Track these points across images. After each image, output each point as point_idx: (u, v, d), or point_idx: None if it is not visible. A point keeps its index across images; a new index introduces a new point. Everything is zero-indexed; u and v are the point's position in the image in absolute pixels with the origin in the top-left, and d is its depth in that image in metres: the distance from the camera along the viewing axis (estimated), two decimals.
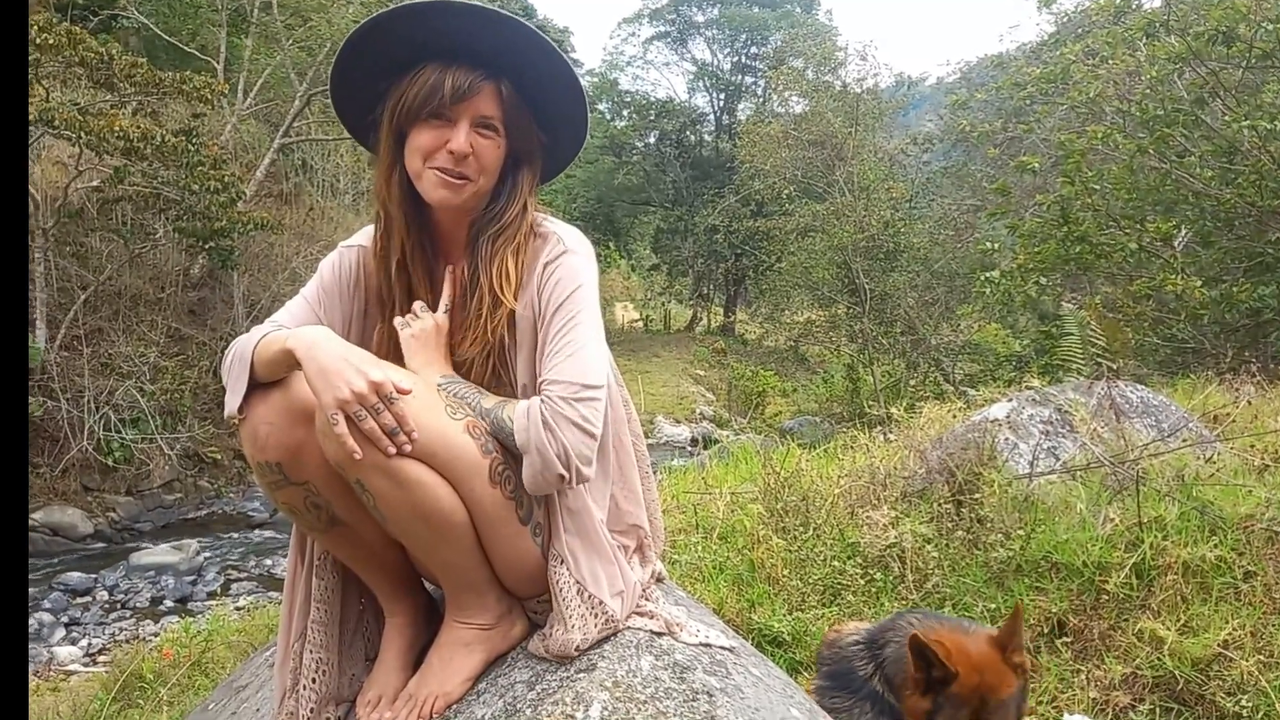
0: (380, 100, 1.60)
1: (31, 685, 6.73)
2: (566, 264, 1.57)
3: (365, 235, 1.73)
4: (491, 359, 1.60)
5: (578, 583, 1.50)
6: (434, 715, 1.50)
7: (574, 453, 1.42)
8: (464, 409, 1.50)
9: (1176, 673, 2.66)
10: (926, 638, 1.80)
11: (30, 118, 10.13)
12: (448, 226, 1.66)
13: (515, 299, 1.57)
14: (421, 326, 1.61)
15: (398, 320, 1.63)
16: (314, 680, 1.59)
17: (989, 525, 3.30)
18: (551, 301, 1.54)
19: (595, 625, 1.49)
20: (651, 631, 1.55)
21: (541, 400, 1.44)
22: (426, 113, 1.53)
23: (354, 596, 1.68)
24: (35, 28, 10.10)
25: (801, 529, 3.49)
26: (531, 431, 1.42)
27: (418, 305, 1.64)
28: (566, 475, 1.42)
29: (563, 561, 1.51)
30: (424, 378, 1.52)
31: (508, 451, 1.50)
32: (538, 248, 1.61)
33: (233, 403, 1.45)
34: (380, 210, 1.65)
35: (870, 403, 11.75)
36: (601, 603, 1.51)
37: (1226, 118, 7.63)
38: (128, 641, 7.51)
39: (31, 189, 11.50)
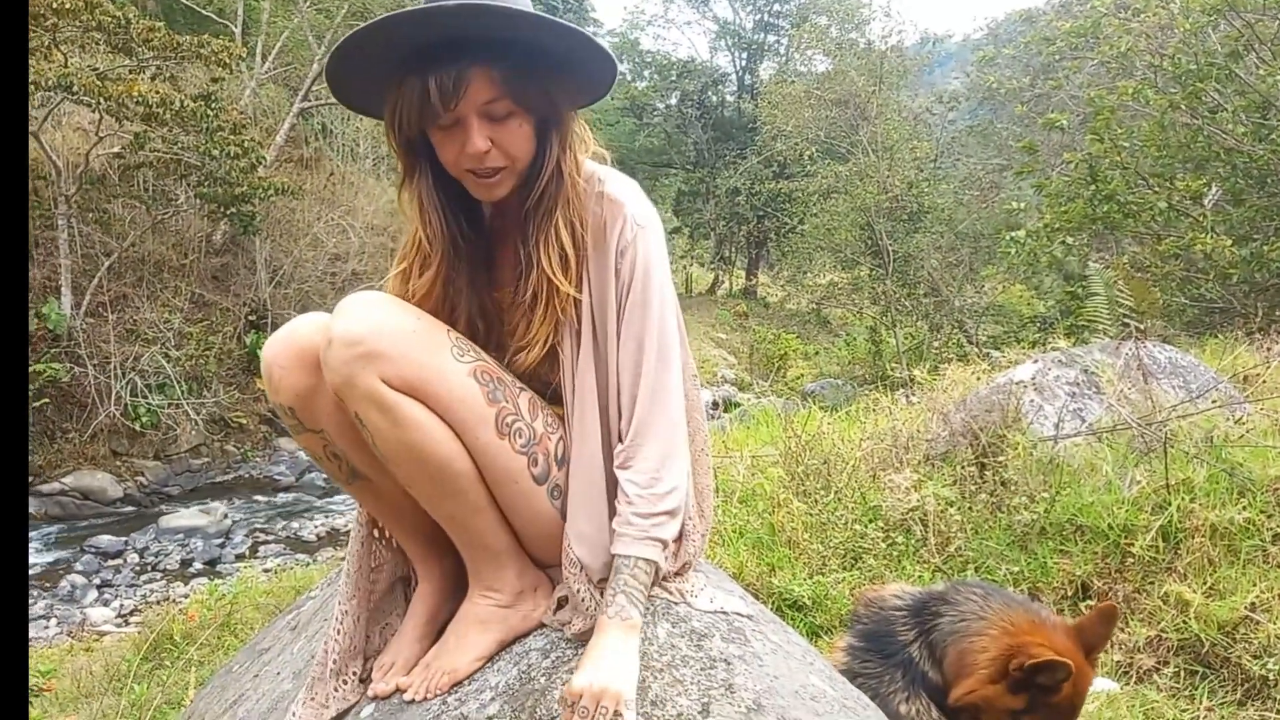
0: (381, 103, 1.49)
1: (65, 645, 6.88)
2: (643, 251, 1.49)
3: None
4: (550, 340, 1.52)
5: (589, 580, 1.46)
6: (437, 691, 1.48)
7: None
8: (474, 352, 1.47)
9: (1202, 636, 2.64)
10: (1043, 649, 1.71)
11: (50, 83, 10.14)
12: (501, 209, 1.58)
13: (574, 283, 1.49)
14: None
15: None
16: (338, 633, 1.61)
17: (1013, 488, 3.27)
18: (632, 314, 1.48)
19: None
20: (667, 599, 1.51)
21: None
22: (426, 123, 1.43)
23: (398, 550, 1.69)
24: None
25: (822, 492, 3.47)
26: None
27: None
28: None
29: (581, 567, 1.47)
30: None
31: (521, 404, 1.48)
32: (604, 218, 1.51)
33: None
34: (412, 230, 1.57)
35: (893, 366, 11.66)
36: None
37: (1261, 71, 7.46)
38: (158, 603, 7.66)
39: (53, 155, 11.55)
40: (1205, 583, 2.76)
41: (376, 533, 1.66)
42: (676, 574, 1.56)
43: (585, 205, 1.52)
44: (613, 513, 1.45)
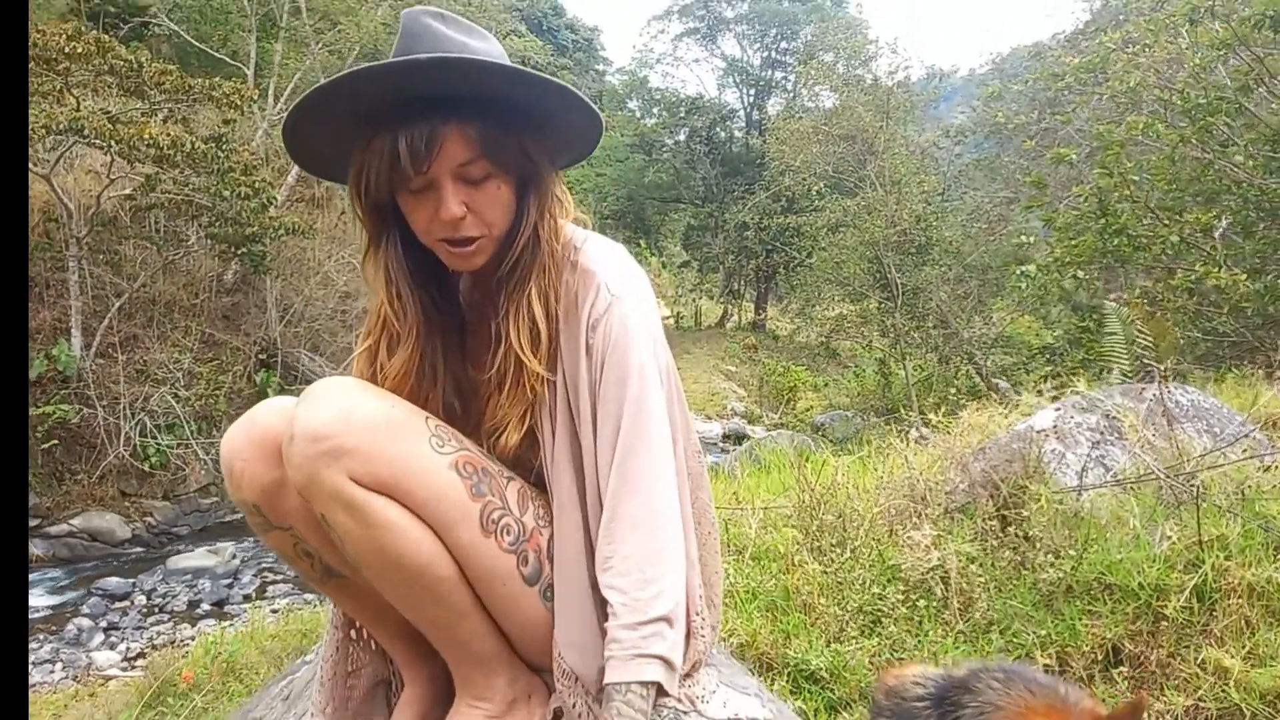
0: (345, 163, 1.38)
1: (70, 691, 6.78)
2: (618, 323, 1.33)
3: None
4: (527, 421, 1.39)
5: (585, 691, 1.33)
6: None
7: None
8: (455, 441, 1.34)
9: (1243, 705, 2.51)
10: None
11: (61, 127, 10.21)
12: (478, 279, 1.47)
13: (545, 361, 1.37)
14: None
15: None
16: None
17: (1037, 544, 3.15)
18: (607, 393, 1.32)
19: None
20: (675, 709, 1.38)
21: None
22: (395, 186, 1.32)
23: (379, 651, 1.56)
24: (64, 36, 10.15)
25: (838, 550, 3.36)
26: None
27: None
28: None
29: (575, 679, 1.34)
30: None
31: (508, 496, 1.35)
32: (576, 289, 1.38)
33: None
34: (376, 305, 1.45)
35: (904, 405, 11.59)
36: None
37: (1272, 105, 7.42)
38: (166, 645, 7.55)
39: (64, 198, 11.61)
40: (1244, 647, 2.64)
41: (354, 634, 1.53)
42: (686, 675, 1.42)
43: (561, 274, 1.40)
44: (603, 615, 1.29)
